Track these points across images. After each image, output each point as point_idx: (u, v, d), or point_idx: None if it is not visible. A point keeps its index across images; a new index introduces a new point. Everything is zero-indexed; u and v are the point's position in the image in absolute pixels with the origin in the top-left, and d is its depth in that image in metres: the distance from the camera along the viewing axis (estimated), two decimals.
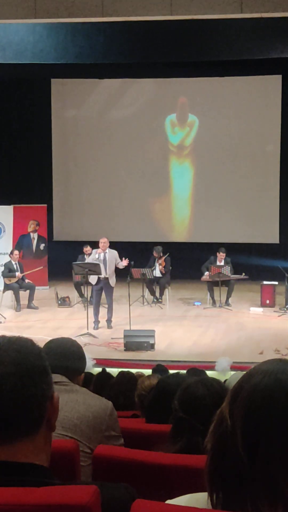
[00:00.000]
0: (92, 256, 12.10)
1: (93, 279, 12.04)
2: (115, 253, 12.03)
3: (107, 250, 11.98)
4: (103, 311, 12.15)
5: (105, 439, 2.75)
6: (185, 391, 2.56)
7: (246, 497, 1.17)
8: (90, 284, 12.95)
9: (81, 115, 17.10)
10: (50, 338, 10.45)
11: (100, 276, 11.86)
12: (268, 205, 16.48)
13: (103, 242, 12.01)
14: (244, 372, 1.28)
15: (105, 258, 11.91)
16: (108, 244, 12.03)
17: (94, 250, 12.22)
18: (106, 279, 11.93)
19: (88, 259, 12.56)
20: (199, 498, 1.29)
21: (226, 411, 1.22)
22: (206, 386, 2.55)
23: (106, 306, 12.13)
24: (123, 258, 12.01)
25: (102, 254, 11.91)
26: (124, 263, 11.98)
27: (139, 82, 16.76)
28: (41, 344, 1.63)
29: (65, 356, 3.01)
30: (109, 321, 12.01)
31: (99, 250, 11.95)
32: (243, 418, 1.18)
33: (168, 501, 1.35)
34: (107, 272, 11.91)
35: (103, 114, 16.97)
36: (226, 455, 1.19)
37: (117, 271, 12.14)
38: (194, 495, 1.33)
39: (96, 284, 12.03)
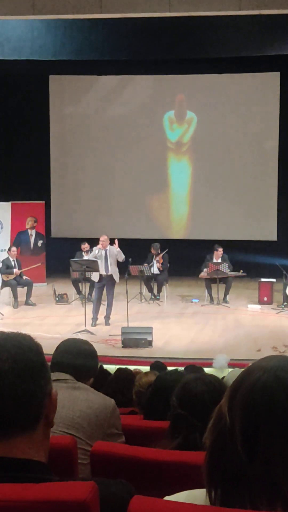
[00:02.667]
0: (93, 253, 12.07)
1: (95, 276, 12.02)
2: (115, 248, 12.01)
3: (107, 248, 11.96)
4: (102, 308, 12.14)
5: (106, 437, 2.75)
6: (183, 387, 2.56)
7: (244, 494, 1.17)
8: (88, 281, 12.95)
9: (79, 112, 17.08)
10: (48, 335, 10.38)
11: (102, 274, 11.85)
12: (266, 202, 16.48)
13: (103, 240, 11.99)
14: (243, 369, 1.28)
15: (106, 256, 11.89)
16: (108, 242, 12.01)
17: (94, 247, 12.19)
18: (109, 276, 11.92)
19: (89, 256, 12.51)
20: (198, 495, 1.29)
21: (225, 407, 1.22)
22: (205, 382, 2.55)
23: (105, 303, 12.11)
24: (114, 242, 11.97)
25: (103, 252, 11.89)
26: (115, 246, 11.93)
27: (137, 78, 16.74)
28: (39, 341, 1.63)
29: (78, 355, 3.05)
30: (107, 317, 12.01)
31: (99, 246, 11.93)
32: (242, 415, 1.18)
33: (167, 498, 1.35)
34: (110, 269, 11.89)
35: (101, 110, 16.95)
36: (224, 452, 1.19)
37: (118, 267, 12.14)
38: (192, 491, 1.33)
39: (99, 281, 12.02)
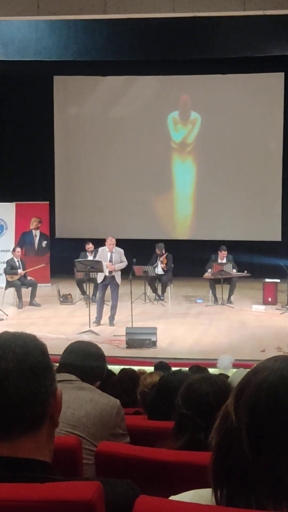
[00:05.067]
0: (100, 254, 12.07)
1: (99, 277, 12.04)
2: (121, 251, 12.01)
3: (113, 249, 11.97)
4: (106, 308, 12.14)
5: (111, 437, 2.75)
6: (188, 387, 2.56)
7: (250, 494, 1.17)
8: (92, 281, 12.95)
9: (83, 113, 17.09)
10: (52, 335, 10.41)
11: (106, 274, 11.86)
12: (270, 203, 16.47)
13: (111, 243, 11.97)
14: (247, 370, 1.28)
15: (111, 257, 11.90)
16: (115, 244, 12.03)
17: (101, 249, 12.18)
18: (112, 277, 11.92)
19: (96, 257, 12.44)
20: (203, 495, 1.29)
21: (231, 407, 1.22)
22: (210, 383, 2.55)
23: (110, 303, 12.12)
24: (108, 264, 11.92)
25: (108, 253, 11.90)
26: (109, 267, 11.90)
27: (142, 79, 16.75)
28: (44, 341, 1.63)
29: (86, 358, 3.08)
30: (111, 318, 12.00)
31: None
32: (248, 415, 1.18)
33: (172, 497, 1.34)
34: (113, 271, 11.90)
35: (106, 111, 16.96)
36: (230, 451, 1.19)
37: (122, 269, 12.16)
38: (198, 491, 1.33)
39: (102, 281, 12.02)
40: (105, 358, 3.24)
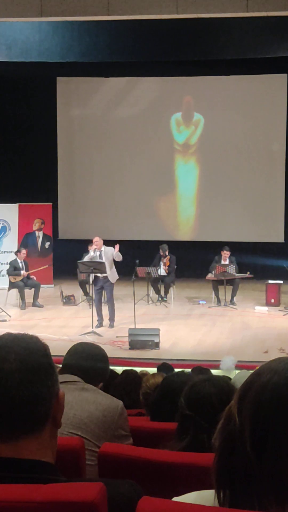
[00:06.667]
0: (88, 254, 12.07)
1: (91, 279, 12.01)
2: (111, 249, 11.95)
3: (102, 248, 11.94)
4: (107, 309, 12.12)
5: (114, 438, 2.75)
6: (191, 388, 2.56)
7: (253, 495, 1.17)
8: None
9: (86, 114, 17.10)
10: (55, 336, 10.43)
11: (98, 275, 11.80)
12: (273, 204, 16.46)
13: (96, 241, 11.99)
14: (250, 371, 1.28)
15: (101, 256, 11.86)
16: (101, 242, 11.98)
17: (90, 249, 12.21)
18: (105, 277, 11.86)
19: (85, 258, 12.37)
20: (206, 496, 1.29)
21: (235, 409, 1.22)
22: (213, 384, 2.55)
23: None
24: (115, 246, 11.91)
25: (97, 252, 11.88)
26: (116, 249, 11.87)
27: (145, 80, 16.76)
28: (46, 342, 1.63)
29: (88, 359, 3.08)
30: (111, 320, 11.93)
31: (92, 247, 11.97)
32: (252, 417, 1.18)
33: (175, 498, 1.34)
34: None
35: (109, 112, 16.97)
36: (234, 453, 1.19)
37: (122, 267, 12.10)
38: (201, 492, 1.32)
39: (96, 284, 11.98)
40: (108, 359, 3.25)
